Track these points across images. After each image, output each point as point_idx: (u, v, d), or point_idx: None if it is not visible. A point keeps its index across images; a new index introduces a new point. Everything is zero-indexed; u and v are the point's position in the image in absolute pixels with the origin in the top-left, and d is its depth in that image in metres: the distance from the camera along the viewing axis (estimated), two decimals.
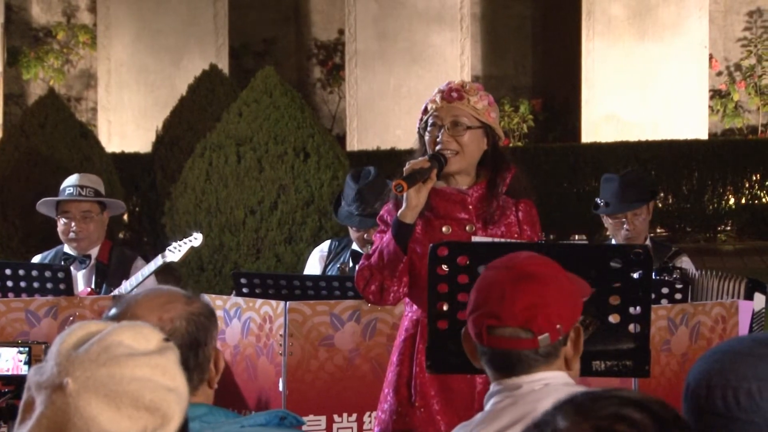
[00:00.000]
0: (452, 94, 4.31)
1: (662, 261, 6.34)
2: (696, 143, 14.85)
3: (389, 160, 11.87)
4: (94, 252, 6.52)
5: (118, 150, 14.81)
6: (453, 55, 15.92)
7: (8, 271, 5.88)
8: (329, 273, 6.34)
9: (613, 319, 3.32)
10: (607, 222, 6.55)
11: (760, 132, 16.29)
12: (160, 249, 6.60)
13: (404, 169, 4.18)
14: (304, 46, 17.66)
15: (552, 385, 2.74)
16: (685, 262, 6.44)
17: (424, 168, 4.17)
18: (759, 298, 5.86)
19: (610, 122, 15.37)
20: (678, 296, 5.77)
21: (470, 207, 4.30)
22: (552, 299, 2.75)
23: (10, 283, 5.84)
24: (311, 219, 9.94)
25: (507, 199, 4.36)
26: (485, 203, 4.31)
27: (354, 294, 5.26)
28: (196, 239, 6.49)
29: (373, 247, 4.31)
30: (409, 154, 4.39)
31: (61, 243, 6.60)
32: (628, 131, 15.13)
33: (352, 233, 6.36)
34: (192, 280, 10.09)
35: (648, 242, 6.49)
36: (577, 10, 15.73)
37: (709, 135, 15.61)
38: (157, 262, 6.31)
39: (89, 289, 6.33)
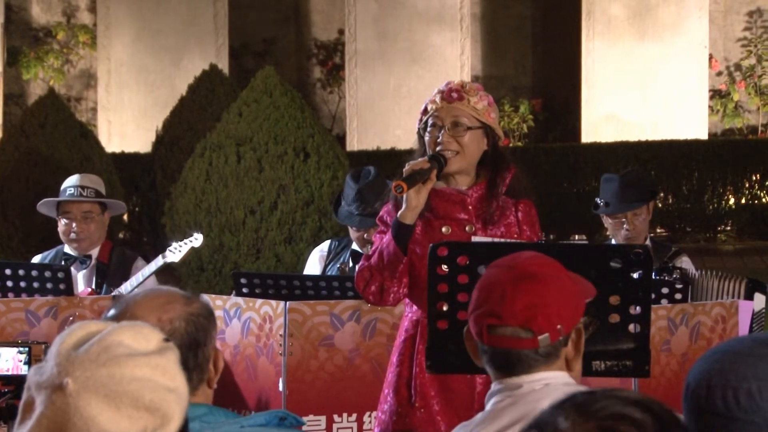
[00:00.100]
0: (452, 95, 4.31)
1: (662, 261, 6.34)
2: (696, 143, 14.85)
3: (389, 160, 11.87)
4: (94, 252, 6.52)
5: (118, 150, 14.81)
6: (453, 55, 15.92)
7: (8, 271, 5.88)
8: (329, 273, 6.34)
9: (613, 319, 3.32)
10: (607, 222, 6.55)
11: (760, 132, 16.29)
12: (160, 249, 6.61)
13: (404, 170, 4.18)
14: (304, 46, 17.67)
15: (552, 385, 2.74)
16: (685, 262, 6.44)
17: (423, 169, 4.17)
18: (759, 298, 5.86)
19: (610, 122, 15.37)
20: (678, 296, 5.77)
21: (470, 207, 4.30)
22: (553, 299, 2.75)
23: (10, 283, 5.84)
24: (311, 219, 9.95)
25: (507, 200, 4.36)
26: (485, 203, 4.31)
27: (354, 294, 5.26)
28: (197, 240, 6.49)
29: (373, 248, 4.31)
30: (408, 154, 4.39)
31: (61, 243, 6.60)
32: (628, 131, 15.13)
33: (352, 233, 6.36)
34: (192, 280, 10.09)
35: (648, 242, 6.49)
36: (577, 10, 15.73)
37: (709, 135, 15.61)
38: (158, 262, 6.32)
39: (89, 290, 6.33)
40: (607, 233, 6.88)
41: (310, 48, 17.65)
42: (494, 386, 2.81)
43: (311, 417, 5.20)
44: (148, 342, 2.01)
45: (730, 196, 14.71)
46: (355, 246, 6.35)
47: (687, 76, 15.31)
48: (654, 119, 15.25)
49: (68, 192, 6.53)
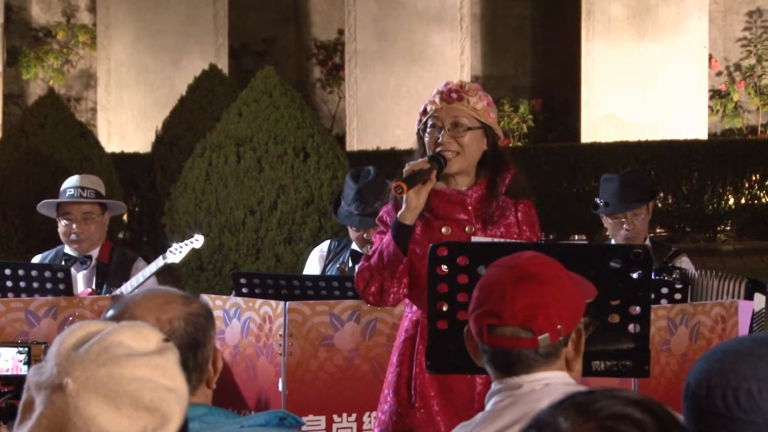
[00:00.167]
0: (452, 95, 4.31)
1: (662, 261, 6.35)
2: (696, 143, 14.85)
3: (389, 160, 11.88)
4: (94, 253, 6.52)
5: (117, 150, 14.80)
6: (453, 55, 15.92)
7: (8, 271, 5.88)
8: (329, 273, 6.34)
9: (613, 319, 3.32)
10: (607, 222, 6.55)
11: (759, 132, 16.29)
12: (160, 249, 6.61)
13: (404, 170, 4.18)
14: (303, 46, 17.67)
15: (552, 385, 2.74)
16: (685, 262, 6.44)
17: (423, 169, 4.17)
18: (759, 299, 5.86)
19: (610, 122, 15.37)
20: (678, 296, 5.77)
21: (470, 208, 4.30)
22: (553, 299, 2.75)
23: (9, 283, 5.84)
24: (311, 219, 9.95)
25: (506, 200, 4.35)
26: (485, 204, 4.31)
27: (354, 294, 5.26)
28: (198, 241, 6.50)
29: (373, 249, 4.30)
30: (408, 154, 4.39)
31: (61, 243, 6.60)
32: (628, 131, 15.13)
33: (352, 233, 6.36)
34: (192, 280, 10.09)
35: (647, 242, 6.49)
36: (576, 10, 15.73)
37: (709, 135, 15.61)
38: (158, 263, 6.32)
39: (89, 290, 6.33)
40: (607, 233, 6.88)
41: (310, 48, 17.65)
42: (494, 386, 2.81)
43: (311, 417, 5.20)
44: (148, 342, 2.01)
45: (730, 196, 14.71)
46: (354, 246, 6.35)
47: (687, 76, 15.31)
48: (654, 119, 15.25)
49: (68, 193, 6.53)
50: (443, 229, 4.27)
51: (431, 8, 15.86)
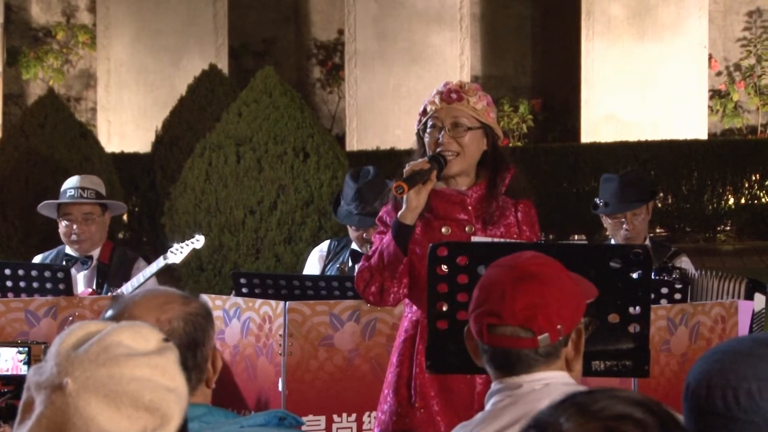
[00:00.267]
0: (451, 95, 4.31)
1: (662, 261, 6.35)
2: (695, 143, 14.85)
3: (389, 160, 11.88)
4: (95, 253, 6.52)
5: (117, 150, 14.81)
6: (452, 55, 15.92)
7: (8, 271, 5.88)
8: (328, 273, 6.34)
9: (613, 319, 3.32)
10: (607, 222, 6.55)
11: (759, 132, 16.29)
12: (160, 249, 6.61)
13: (404, 170, 4.18)
14: (303, 46, 17.67)
15: (552, 385, 2.74)
16: (685, 262, 6.44)
17: (424, 169, 4.17)
18: (759, 299, 5.86)
19: (610, 122, 15.37)
20: (677, 296, 5.77)
21: (469, 208, 4.30)
22: (553, 299, 2.75)
23: (9, 283, 5.84)
24: (311, 219, 9.95)
25: (506, 200, 4.35)
26: (485, 204, 4.31)
27: (353, 294, 5.26)
28: (198, 241, 6.49)
29: (373, 249, 4.30)
30: (408, 154, 4.39)
31: (61, 243, 6.60)
32: (628, 131, 15.13)
33: (351, 232, 6.36)
34: (191, 280, 10.09)
35: (647, 242, 6.49)
36: (576, 10, 15.73)
37: (709, 135, 15.61)
38: (159, 263, 6.32)
39: (90, 290, 6.34)
40: (607, 233, 6.88)
41: (310, 48, 17.65)
42: (494, 386, 2.81)
43: (311, 417, 5.20)
44: (148, 342, 2.01)
45: (730, 196, 14.71)
46: (354, 246, 6.35)
47: (686, 76, 15.31)
48: (653, 119, 15.25)
49: (68, 194, 6.53)
50: (443, 229, 4.27)
51: (431, 8, 15.86)
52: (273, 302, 5.32)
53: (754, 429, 2.06)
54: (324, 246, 6.58)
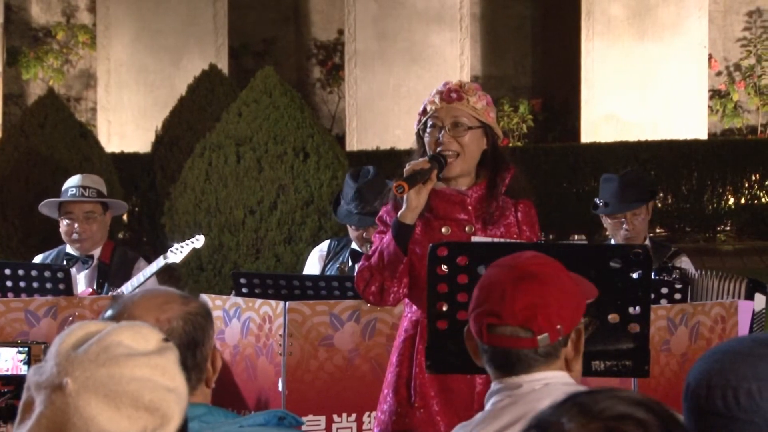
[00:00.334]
0: (451, 95, 4.31)
1: (662, 261, 6.34)
2: (695, 143, 14.85)
3: (389, 160, 11.88)
4: (96, 252, 6.52)
5: (117, 150, 14.81)
6: (452, 55, 15.92)
7: (8, 271, 5.87)
8: (328, 272, 6.34)
9: (613, 319, 3.32)
10: (607, 222, 6.55)
11: (759, 132, 16.29)
12: (160, 249, 6.61)
13: (404, 170, 4.18)
14: (303, 46, 17.67)
15: (552, 384, 2.74)
16: (685, 262, 6.44)
17: (424, 169, 4.17)
18: (759, 299, 5.86)
19: (610, 122, 15.37)
20: (677, 296, 5.77)
21: (469, 208, 4.30)
22: (553, 299, 2.75)
23: (9, 283, 5.83)
24: (311, 219, 9.95)
25: (506, 200, 4.35)
26: (485, 204, 4.31)
27: (353, 294, 5.26)
28: (198, 241, 6.49)
29: (373, 248, 4.30)
30: (408, 154, 4.39)
31: (62, 243, 6.60)
32: (628, 131, 15.13)
33: (351, 232, 6.36)
34: (191, 280, 10.09)
35: (647, 242, 6.49)
36: (576, 10, 15.73)
37: (709, 135, 15.61)
38: (159, 263, 6.32)
39: (90, 290, 6.33)
40: (607, 233, 6.88)
41: (310, 48, 17.65)
42: (494, 386, 2.81)
43: (311, 417, 5.20)
44: (148, 342, 2.01)
45: (730, 196, 14.71)
46: (354, 245, 6.35)
47: (686, 76, 15.31)
48: (653, 119, 15.25)
49: (70, 192, 6.53)
50: (443, 229, 4.27)
51: (431, 8, 15.86)
52: (273, 302, 5.32)
53: (754, 429, 2.06)
54: (324, 246, 6.59)
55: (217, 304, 5.45)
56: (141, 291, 2.78)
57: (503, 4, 17.29)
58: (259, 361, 5.33)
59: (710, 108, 16.06)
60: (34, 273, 5.84)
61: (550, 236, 13.89)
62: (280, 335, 5.20)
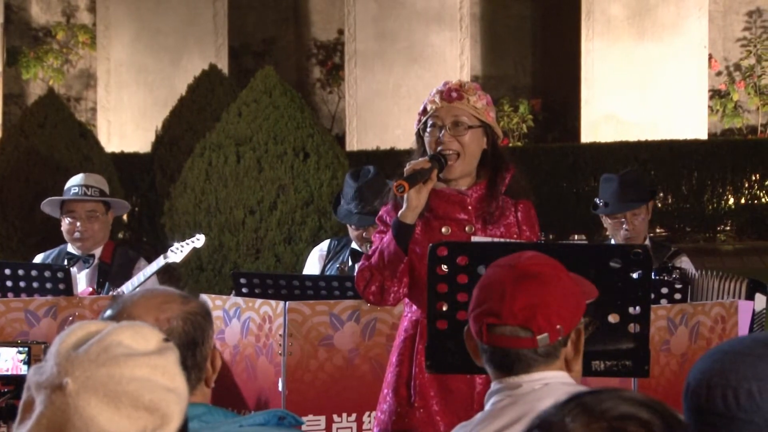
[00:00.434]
0: (452, 94, 4.31)
1: (661, 261, 6.34)
2: (695, 143, 14.85)
3: (389, 160, 11.86)
4: (97, 252, 6.52)
5: (117, 150, 14.81)
6: (452, 55, 15.92)
7: (8, 271, 5.88)
8: (328, 272, 6.35)
9: (613, 319, 3.32)
10: (607, 222, 6.55)
11: (759, 132, 16.29)
12: (160, 249, 6.60)
13: (405, 169, 4.18)
14: (303, 46, 17.67)
15: (552, 384, 2.74)
16: (685, 262, 6.44)
17: (424, 168, 4.17)
18: (760, 299, 5.86)
19: (610, 122, 15.37)
20: (677, 296, 5.77)
21: (469, 208, 4.30)
22: (553, 300, 2.75)
23: (9, 283, 5.84)
24: (311, 219, 9.95)
25: (506, 200, 4.35)
26: (485, 203, 4.31)
27: (353, 294, 5.26)
28: (199, 240, 6.49)
29: (373, 248, 4.30)
30: (408, 154, 4.39)
31: (63, 242, 6.60)
32: (628, 131, 15.13)
33: (351, 231, 6.37)
34: (191, 280, 10.09)
35: (647, 242, 6.49)
36: (576, 10, 15.73)
37: (709, 135, 15.61)
38: (159, 262, 6.32)
39: (90, 289, 6.34)
40: (607, 233, 6.88)
41: (310, 48, 17.65)
42: (494, 386, 2.81)
43: (311, 417, 5.20)
44: (148, 342, 2.01)
45: (730, 196, 14.71)
46: (354, 245, 6.36)
47: (686, 76, 15.31)
48: (653, 119, 15.25)
49: (73, 191, 6.53)
50: (443, 229, 4.27)
51: (431, 8, 15.86)
52: (273, 302, 5.32)
53: (754, 429, 2.06)
54: (324, 245, 6.59)
55: (217, 304, 5.45)
56: (140, 291, 2.78)
57: (503, 4, 17.29)
58: (259, 361, 5.33)
59: (710, 108, 16.06)
60: (34, 273, 5.84)
61: (550, 236, 13.88)
62: (280, 335, 5.20)
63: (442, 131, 4.29)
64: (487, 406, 2.82)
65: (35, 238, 10.95)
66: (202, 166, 10.30)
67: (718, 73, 16.49)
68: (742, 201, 14.69)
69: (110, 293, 6.20)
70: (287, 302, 5.25)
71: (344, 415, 5.26)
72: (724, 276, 5.98)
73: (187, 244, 6.44)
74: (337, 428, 5.26)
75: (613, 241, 6.56)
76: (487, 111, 4.35)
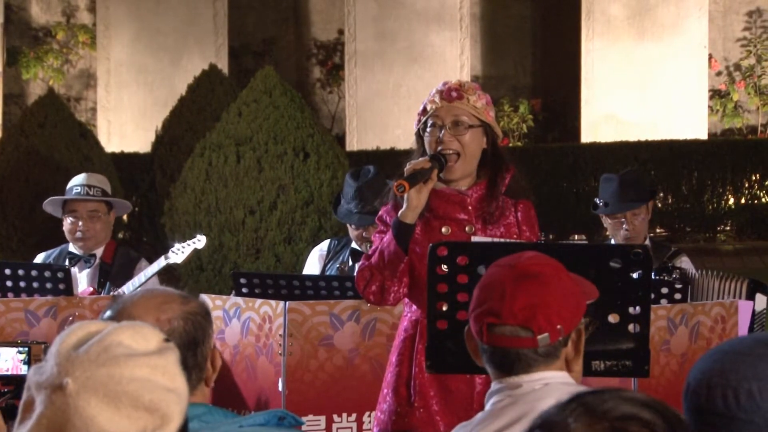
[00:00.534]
0: (452, 94, 4.31)
1: (662, 261, 6.34)
2: (695, 143, 14.84)
3: (389, 160, 11.84)
4: (98, 252, 6.52)
5: (117, 150, 14.81)
6: (452, 55, 15.92)
7: (8, 271, 5.88)
8: (328, 272, 6.35)
9: (613, 319, 3.32)
10: (607, 222, 6.55)
11: (759, 132, 16.29)
12: (160, 249, 6.60)
13: (405, 169, 4.18)
14: (303, 46, 17.67)
15: (552, 384, 2.74)
16: (685, 262, 6.44)
17: (425, 168, 4.17)
18: (760, 299, 5.86)
19: (610, 122, 15.37)
20: (677, 296, 5.77)
21: (469, 207, 4.30)
22: (553, 300, 2.75)
23: (9, 283, 5.84)
24: (311, 219, 9.95)
25: (506, 200, 4.35)
26: (485, 203, 4.31)
27: (353, 294, 5.26)
28: (200, 241, 6.49)
29: (373, 248, 4.30)
30: (408, 154, 4.39)
31: (63, 242, 6.60)
32: (628, 131, 15.13)
33: (351, 231, 6.37)
34: (191, 280, 10.09)
35: (647, 242, 6.49)
36: (576, 10, 15.73)
37: (709, 135, 15.61)
38: (160, 263, 6.32)
39: (91, 289, 6.34)
40: (607, 233, 6.88)
41: (310, 48, 17.65)
42: (494, 386, 2.81)
43: (311, 417, 5.20)
44: (148, 342, 2.01)
45: (730, 196, 14.71)
46: (354, 245, 6.36)
47: (686, 76, 15.31)
48: (653, 119, 15.25)
49: (75, 191, 6.53)
50: (443, 229, 4.27)
51: (431, 8, 15.86)
52: (273, 302, 5.32)
53: (754, 429, 2.06)
54: (324, 245, 6.59)
55: (217, 304, 5.45)
56: (140, 291, 2.78)
57: (503, 4, 17.29)
58: (259, 361, 5.33)
59: (710, 108, 16.06)
60: (34, 273, 5.84)
61: (550, 236, 13.87)
62: (280, 335, 5.20)
63: (443, 131, 4.29)
64: (488, 406, 2.82)
65: (35, 238, 10.95)
66: (202, 166, 10.30)
67: (718, 73, 16.49)
68: (742, 201, 14.69)
69: (111, 293, 6.20)
70: (287, 302, 5.25)
71: (344, 415, 5.26)
72: (724, 276, 5.98)
73: (188, 245, 6.44)
74: (337, 428, 5.26)
75: (613, 241, 6.56)
76: (486, 110, 4.35)
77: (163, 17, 16.05)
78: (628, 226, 6.42)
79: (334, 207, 6.48)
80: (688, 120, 15.23)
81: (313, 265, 6.50)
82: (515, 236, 4.32)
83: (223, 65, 15.34)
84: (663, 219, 14.49)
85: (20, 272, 5.86)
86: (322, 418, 5.23)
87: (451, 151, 4.27)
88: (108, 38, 16.23)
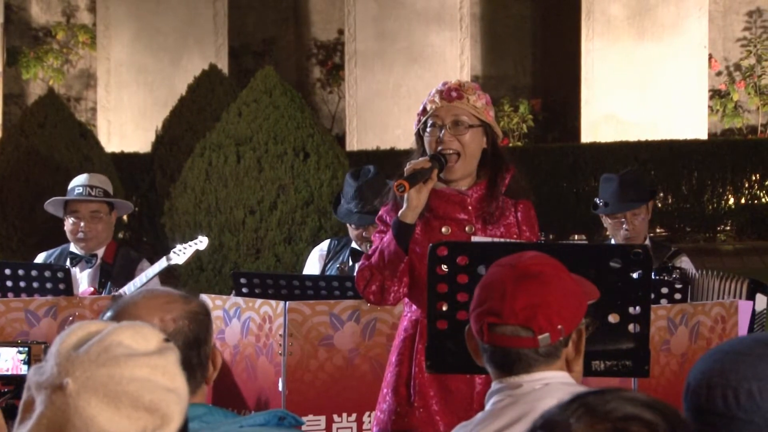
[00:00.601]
0: (452, 94, 4.31)
1: (662, 261, 6.34)
2: (695, 143, 14.85)
3: (389, 160, 11.85)
4: (100, 252, 6.52)
5: (117, 150, 14.81)
6: (452, 55, 15.92)
7: (8, 271, 5.88)
8: (328, 272, 6.35)
9: (613, 319, 3.32)
10: (607, 222, 6.55)
11: (759, 132, 16.29)
12: (161, 249, 6.60)
13: (405, 169, 4.18)
14: (303, 46, 17.67)
15: (552, 384, 2.74)
16: (685, 262, 6.44)
17: (425, 168, 4.17)
18: (760, 299, 5.86)
19: (610, 122, 15.37)
20: (677, 296, 5.77)
21: (469, 207, 4.30)
22: (554, 299, 2.75)
23: (9, 283, 5.84)
24: (311, 219, 9.95)
25: (506, 200, 4.35)
26: (485, 203, 4.31)
27: (353, 294, 5.26)
28: (201, 242, 6.49)
29: (373, 248, 4.30)
30: (408, 154, 4.39)
31: (63, 242, 6.60)
32: (628, 131, 15.14)
33: (351, 231, 6.37)
34: (191, 280, 10.09)
35: (647, 242, 6.49)
36: (576, 10, 15.73)
37: (709, 135, 15.61)
38: (162, 264, 6.32)
39: (92, 289, 6.34)
40: (607, 233, 6.88)
41: (310, 48, 17.65)
42: (494, 385, 2.81)
43: (311, 417, 5.20)
44: (148, 342, 2.02)
45: (730, 196, 14.71)
46: (354, 245, 6.36)
47: (686, 76, 15.31)
48: (653, 119, 15.25)
49: (77, 191, 6.53)
50: (443, 229, 4.27)
51: (431, 8, 15.86)
52: (273, 302, 5.32)
53: (754, 429, 2.06)
54: (324, 245, 6.59)
55: (217, 304, 5.45)
56: (141, 291, 2.78)
57: (503, 4, 17.29)
58: (259, 361, 5.33)
59: (710, 108, 16.06)
60: (34, 273, 5.85)
61: (550, 236, 13.87)
62: (280, 335, 5.20)
63: (443, 131, 4.29)
64: (488, 406, 2.82)
65: (35, 238, 10.95)
66: (202, 166, 10.30)
67: (718, 73, 16.49)
68: (742, 201, 14.69)
69: (112, 294, 6.20)
70: (287, 302, 5.25)
71: (344, 415, 5.26)
72: (724, 276, 5.98)
73: (190, 246, 6.44)
74: (337, 428, 5.26)
75: (613, 241, 6.56)
76: (486, 110, 4.35)
77: (163, 17, 16.05)
78: (628, 226, 6.42)
79: (334, 207, 6.48)
80: (688, 120, 15.23)
81: (313, 265, 6.50)
82: (515, 236, 4.31)
83: (223, 65, 15.34)
84: (663, 219, 14.49)
85: (20, 272, 5.86)
86: (322, 418, 5.23)
87: (451, 151, 4.27)
88: (108, 38, 16.23)
